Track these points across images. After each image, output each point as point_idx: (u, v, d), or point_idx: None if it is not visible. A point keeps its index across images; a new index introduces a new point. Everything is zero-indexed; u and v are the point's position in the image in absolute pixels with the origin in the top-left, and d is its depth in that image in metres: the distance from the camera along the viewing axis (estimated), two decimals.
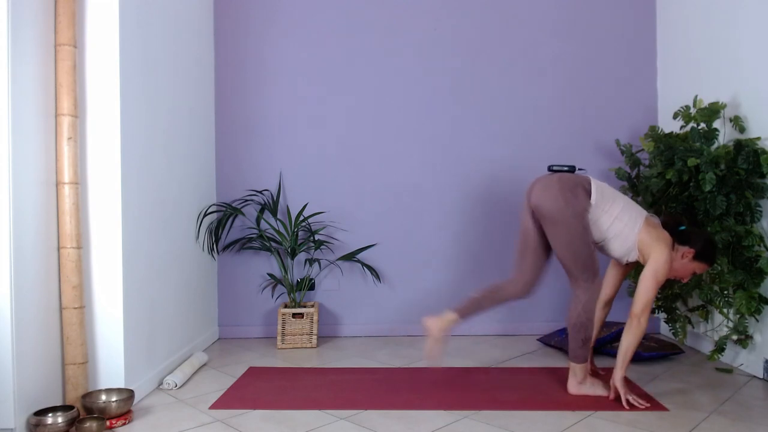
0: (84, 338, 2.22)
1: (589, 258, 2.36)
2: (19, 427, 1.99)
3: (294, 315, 3.32)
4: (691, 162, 2.65)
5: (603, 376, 2.65)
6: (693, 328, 3.17)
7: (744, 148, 2.60)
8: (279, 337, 3.32)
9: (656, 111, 3.64)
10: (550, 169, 2.50)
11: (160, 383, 2.63)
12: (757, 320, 2.66)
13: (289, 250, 3.42)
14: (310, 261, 3.50)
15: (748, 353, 2.74)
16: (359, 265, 3.57)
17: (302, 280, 3.50)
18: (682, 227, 2.40)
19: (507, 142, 3.62)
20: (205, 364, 2.99)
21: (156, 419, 2.24)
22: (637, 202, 3.16)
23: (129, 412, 2.22)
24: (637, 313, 2.29)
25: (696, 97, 2.92)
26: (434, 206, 3.62)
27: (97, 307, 2.33)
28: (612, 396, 2.36)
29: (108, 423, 2.13)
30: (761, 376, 2.65)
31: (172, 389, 2.59)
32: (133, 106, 2.46)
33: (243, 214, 3.51)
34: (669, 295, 3.05)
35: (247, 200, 3.55)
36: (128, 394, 2.24)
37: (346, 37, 3.62)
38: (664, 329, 3.53)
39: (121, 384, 2.34)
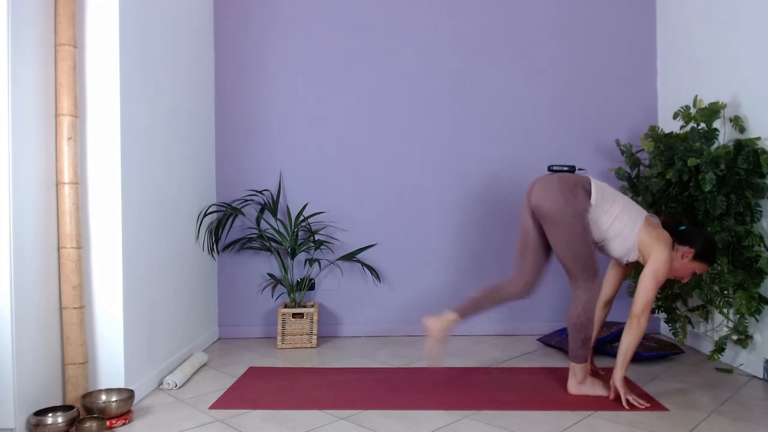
0: (84, 338, 2.22)
1: (589, 258, 2.36)
2: (19, 427, 1.99)
3: (294, 315, 3.32)
4: (691, 162, 2.65)
5: (603, 376, 2.65)
6: (693, 328, 3.17)
7: (744, 148, 2.60)
8: (279, 337, 3.32)
9: (656, 111, 3.64)
10: (550, 169, 2.50)
11: (160, 383, 2.63)
12: (757, 320, 2.66)
13: (289, 250, 3.42)
14: (310, 261, 3.50)
15: (748, 353, 2.74)
16: (359, 265, 3.57)
17: (302, 280, 3.50)
18: (682, 227, 2.40)
19: (507, 142, 3.62)
20: (205, 364, 2.99)
21: (156, 419, 2.24)
22: (637, 202, 3.17)
23: (129, 412, 2.22)
24: (637, 313, 2.29)
25: (696, 97, 2.92)
26: (434, 206, 3.62)
27: (97, 307, 2.33)
28: (612, 396, 2.37)
29: (108, 423, 2.13)
30: (761, 376, 2.65)
31: (172, 389, 2.59)
32: (133, 106, 2.46)
33: (243, 214, 3.51)
34: (669, 295, 3.05)
35: (247, 200, 3.55)
36: (128, 394, 2.24)
37: (346, 37, 3.62)
38: (664, 329, 3.53)
39: (121, 384, 2.34)
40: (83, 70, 2.31)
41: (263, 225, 3.55)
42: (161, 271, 2.74)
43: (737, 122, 2.75)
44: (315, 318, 3.33)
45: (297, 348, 3.32)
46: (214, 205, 3.50)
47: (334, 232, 3.61)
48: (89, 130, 2.32)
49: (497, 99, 3.63)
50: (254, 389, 2.58)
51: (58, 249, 2.20)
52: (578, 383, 2.45)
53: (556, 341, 3.24)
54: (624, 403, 2.29)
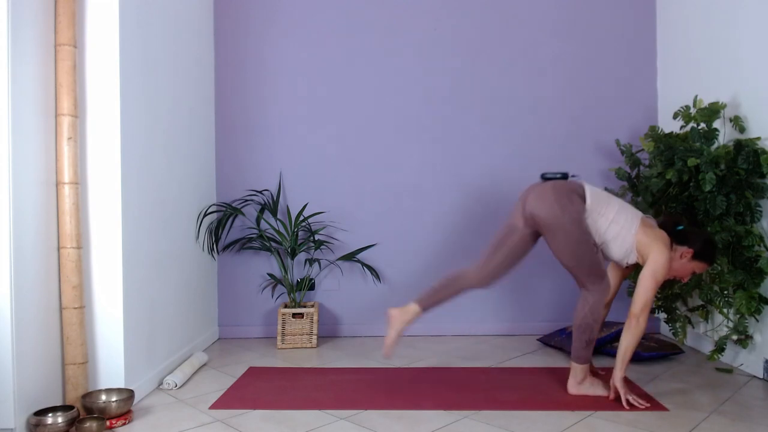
0: (84, 338, 2.22)
1: (593, 262, 2.36)
2: (19, 427, 1.99)
3: (294, 315, 3.32)
4: (691, 162, 2.65)
5: (603, 376, 2.65)
6: (693, 328, 3.17)
7: (744, 148, 2.60)
8: (279, 337, 3.32)
9: (656, 111, 3.64)
10: (543, 177, 2.50)
11: (160, 383, 2.63)
12: (757, 320, 2.66)
13: (289, 250, 3.42)
14: (310, 261, 3.50)
15: (748, 353, 2.74)
16: (359, 265, 3.57)
17: (302, 280, 3.50)
18: (680, 227, 2.40)
19: (507, 142, 3.62)
20: (205, 364, 2.99)
21: (156, 419, 2.24)
22: (637, 202, 3.17)
23: (129, 412, 2.22)
24: (636, 313, 2.29)
25: (696, 97, 2.92)
26: (434, 206, 3.62)
27: (97, 307, 2.33)
28: (612, 396, 2.37)
29: (108, 423, 2.13)
30: (761, 376, 2.65)
31: (172, 389, 2.59)
32: (133, 106, 2.46)
33: (243, 214, 3.51)
34: (669, 295, 3.05)
35: (247, 200, 3.55)
36: (128, 394, 2.24)
37: (346, 37, 3.62)
38: (664, 329, 3.53)
39: (121, 384, 2.34)
40: (83, 70, 2.31)
41: (263, 225, 3.55)
42: (161, 271, 2.74)
43: (737, 122, 2.75)
44: (315, 318, 3.34)
45: (297, 348, 3.32)
46: (214, 205, 3.50)
47: (334, 232, 3.61)
48: (89, 130, 2.32)
49: (497, 99, 3.63)
50: (254, 389, 2.58)
51: (58, 249, 2.20)
52: (578, 383, 2.45)
53: (556, 341, 3.24)
54: (624, 403, 2.29)
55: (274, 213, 3.47)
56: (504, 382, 2.66)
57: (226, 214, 3.42)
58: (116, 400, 2.18)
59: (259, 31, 3.62)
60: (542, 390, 2.53)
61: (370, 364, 3.00)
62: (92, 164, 2.32)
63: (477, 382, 2.66)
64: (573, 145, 3.62)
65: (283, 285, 3.49)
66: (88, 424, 2.04)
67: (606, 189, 3.51)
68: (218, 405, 2.38)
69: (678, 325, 3.03)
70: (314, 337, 3.34)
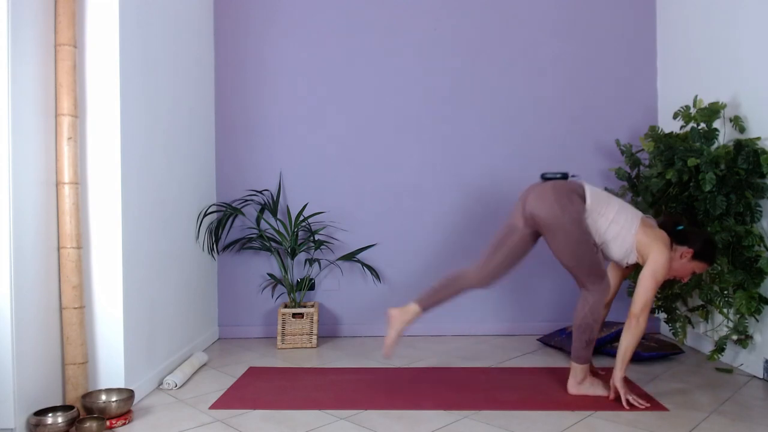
0: (84, 338, 2.22)
1: (593, 262, 2.36)
2: (19, 427, 1.99)
3: (294, 315, 3.32)
4: (691, 162, 2.65)
5: (603, 376, 2.65)
6: (693, 328, 3.17)
7: (744, 148, 2.60)
8: (279, 337, 3.32)
9: (656, 111, 3.64)
10: (543, 177, 2.50)
11: (160, 383, 2.63)
12: (757, 320, 2.66)
13: (289, 250, 3.42)
14: (310, 261, 3.50)
15: (748, 353, 2.74)
16: (359, 265, 3.57)
17: (302, 280, 3.50)
18: (680, 227, 2.40)
19: (507, 142, 3.62)
20: (205, 364, 2.99)
21: (156, 419, 2.24)
22: (637, 202, 3.17)
23: (129, 412, 2.22)
24: (636, 313, 2.29)
25: (696, 97, 2.92)
26: (434, 206, 3.62)
27: (97, 307, 2.33)
28: (612, 396, 2.37)
29: (108, 423, 2.13)
30: (761, 376, 2.65)
31: (172, 389, 2.59)
32: (133, 106, 2.46)
33: (243, 214, 3.51)
34: (669, 295, 3.05)
35: (247, 200, 3.55)
36: (128, 394, 2.24)
37: (346, 37, 3.62)
38: (664, 329, 3.53)
39: (121, 384, 2.34)
40: (83, 70, 2.31)
41: (263, 225, 3.55)
42: (161, 271, 2.74)
43: (737, 122, 2.75)
44: (315, 318, 3.34)
45: (297, 348, 3.32)
46: (214, 205, 3.51)
47: (334, 232, 3.61)
48: (89, 130, 2.32)
49: (497, 99, 3.63)
50: (254, 389, 2.58)
51: (58, 249, 2.20)
52: (578, 383, 2.45)
53: (556, 341, 3.24)
54: (624, 403, 2.29)
55: (274, 213, 3.47)
56: (504, 382, 2.66)
57: (226, 214, 3.42)
58: (116, 400, 2.18)
59: (259, 31, 3.62)
60: (542, 390, 2.53)
61: (370, 364, 3.00)
62: (92, 164, 2.32)
63: (477, 382, 2.66)
64: (573, 145, 3.63)
65: (283, 285, 3.49)
66: (88, 424, 2.04)
67: (606, 189, 3.51)
68: (218, 405, 2.38)
69: (678, 325, 3.03)
70: (314, 337, 3.34)
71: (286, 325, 3.32)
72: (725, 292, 2.67)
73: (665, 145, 2.91)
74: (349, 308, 3.62)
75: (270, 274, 3.56)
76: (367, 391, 2.53)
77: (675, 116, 3.02)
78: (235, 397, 2.47)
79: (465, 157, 3.62)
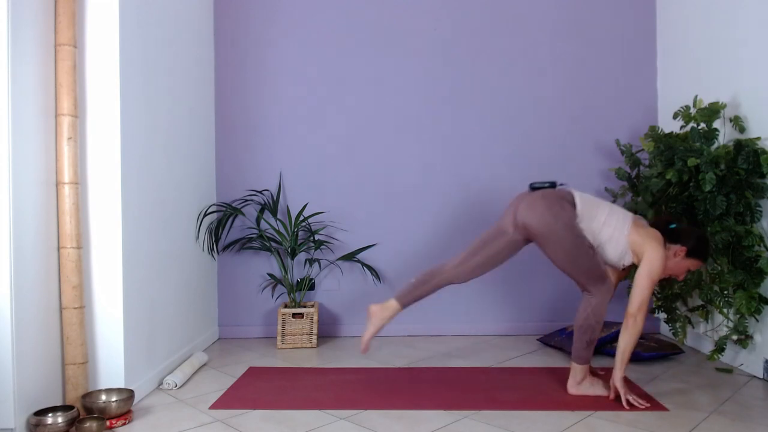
0: (84, 338, 2.22)
1: (591, 265, 2.36)
2: (19, 427, 1.99)
3: (294, 315, 3.32)
4: (691, 162, 2.65)
5: (602, 376, 2.65)
6: (693, 328, 3.17)
7: (744, 148, 2.60)
8: (279, 337, 3.32)
9: (656, 111, 3.64)
10: (531, 186, 2.51)
11: (160, 383, 2.63)
12: (757, 320, 2.66)
13: (289, 250, 3.42)
14: (310, 261, 3.50)
15: (748, 353, 2.74)
16: (359, 265, 3.57)
17: (302, 280, 3.50)
18: (672, 225, 2.41)
19: (507, 142, 3.62)
20: (205, 364, 2.99)
21: (156, 419, 2.24)
22: (637, 202, 3.17)
23: (129, 412, 2.22)
24: (633, 313, 2.29)
25: (696, 97, 2.92)
26: (434, 206, 3.62)
27: (97, 307, 2.33)
28: (612, 396, 2.37)
29: (108, 423, 2.13)
30: (761, 376, 2.65)
31: (172, 389, 2.59)
32: (133, 106, 2.46)
33: (243, 214, 3.51)
34: (669, 295, 3.05)
35: (247, 200, 3.55)
36: (128, 394, 2.24)
37: (346, 37, 3.62)
38: (664, 329, 3.53)
39: (121, 384, 2.34)
40: (83, 70, 2.31)
41: (263, 225, 3.55)
42: (161, 271, 2.74)
43: (737, 122, 2.75)
44: (315, 318, 3.34)
45: (297, 348, 3.32)
46: (214, 205, 3.51)
47: (334, 232, 3.61)
48: (89, 130, 2.32)
49: (497, 99, 3.63)
50: (254, 389, 2.58)
51: (58, 249, 2.20)
52: (577, 383, 2.45)
53: (556, 341, 3.24)
54: (624, 403, 2.29)
55: (274, 213, 3.47)
56: (504, 382, 2.66)
57: (226, 214, 3.42)
58: (116, 400, 2.19)
59: (259, 31, 3.62)
60: (542, 390, 2.53)
61: (370, 364, 3.00)
62: (92, 164, 2.32)
63: (477, 382, 2.66)
64: (573, 145, 3.63)
65: (283, 285, 3.49)
66: (88, 424, 2.04)
67: (606, 189, 3.52)
68: (218, 405, 2.38)
69: (678, 325, 3.03)
70: (314, 337, 3.34)
71: (286, 325, 3.32)
72: (725, 292, 2.67)
73: (665, 145, 2.91)
74: (349, 308, 3.61)
75: (270, 274, 3.56)
76: (367, 391, 2.53)
77: (675, 116, 3.02)
78: (235, 397, 2.47)
79: (465, 157, 3.62)
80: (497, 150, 3.62)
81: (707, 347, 3.02)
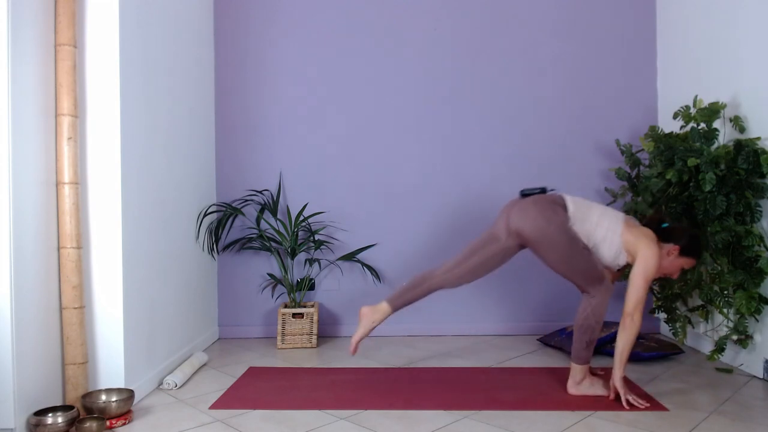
0: (84, 338, 2.22)
1: (587, 266, 2.37)
2: (19, 427, 1.99)
3: (294, 315, 3.32)
4: (691, 162, 2.65)
5: (602, 375, 2.65)
6: (693, 328, 3.17)
7: (744, 148, 2.60)
8: (279, 337, 3.32)
9: (656, 111, 3.64)
10: (521, 193, 2.51)
11: (160, 383, 2.63)
12: (757, 320, 2.66)
13: (289, 250, 3.42)
14: (310, 261, 3.50)
15: (748, 353, 2.74)
16: (359, 265, 3.57)
17: (302, 280, 3.50)
18: (665, 224, 2.42)
19: (507, 141, 3.62)
20: (205, 364, 2.99)
21: (156, 419, 2.24)
22: (636, 202, 3.17)
23: (129, 412, 2.22)
24: (629, 312, 2.30)
25: (696, 97, 2.92)
26: (434, 206, 3.62)
27: (97, 307, 2.33)
28: (612, 396, 2.37)
29: (108, 423, 2.13)
30: (761, 376, 2.65)
31: (172, 389, 2.59)
32: (133, 106, 2.46)
33: (243, 214, 3.51)
34: (669, 295, 3.05)
35: (247, 200, 3.55)
36: (128, 394, 2.24)
37: (346, 37, 3.62)
38: (664, 329, 3.53)
39: (121, 384, 2.34)
40: (83, 70, 2.31)
41: (263, 225, 3.55)
42: (161, 271, 2.74)
43: (737, 122, 2.75)
44: (315, 318, 3.34)
45: (297, 348, 3.32)
46: (214, 205, 3.51)
47: (334, 232, 3.61)
48: (89, 130, 2.32)
49: (497, 99, 3.63)
50: (254, 389, 2.58)
51: (58, 249, 2.20)
52: (577, 383, 2.46)
53: (556, 341, 3.24)
54: (624, 403, 2.29)
55: (274, 213, 3.47)
56: (504, 382, 2.66)
57: (226, 214, 3.42)
58: (116, 400, 2.19)
59: (259, 31, 3.62)
60: (542, 390, 2.53)
61: (370, 364, 3.00)
62: (92, 164, 2.32)
63: (477, 382, 2.66)
64: (573, 145, 3.63)
65: (283, 285, 3.49)
66: (88, 424, 2.04)
67: (606, 189, 3.52)
68: (218, 405, 2.38)
69: (678, 325, 3.03)
70: (314, 337, 3.34)
71: (286, 325, 3.32)
72: (725, 292, 2.67)
73: (665, 145, 2.91)
74: (349, 308, 3.61)
75: (270, 274, 3.56)
76: (367, 391, 2.53)
77: (675, 116, 3.02)
78: (235, 397, 2.47)
79: (465, 157, 3.62)
80: (497, 150, 3.62)
81: (707, 347, 3.02)
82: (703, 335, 3.10)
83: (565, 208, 2.39)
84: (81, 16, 2.29)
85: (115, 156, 2.33)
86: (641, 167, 3.35)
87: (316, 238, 3.49)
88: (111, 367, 2.34)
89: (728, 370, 2.76)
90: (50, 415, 2.05)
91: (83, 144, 2.31)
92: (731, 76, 2.89)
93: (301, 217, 3.44)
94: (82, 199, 2.30)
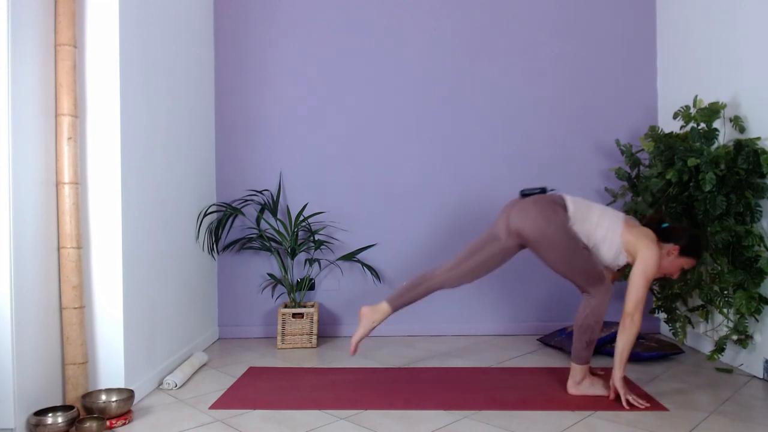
0: (84, 338, 2.22)
1: (588, 266, 2.37)
2: (19, 427, 1.99)
3: (294, 315, 3.32)
4: (691, 162, 2.65)
5: (602, 375, 2.65)
6: (693, 328, 3.17)
7: (744, 148, 2.60)
8: (279, 337, 3.32)
9: (656, 111, 3.64)
10: (521, 193, 2.51)
11: (160, 383, 2.63)
12: (757, 320, 2.66)
13: (289, 250, 3.42)
14: (310, 261, 3.50)
15: (748, 353, 2.74)
16: (359, 265, 3.57)
17: (302, 280, 3.50)
18: (665, 224, 2.42)
19: (507, 142, 3.63)
20: (205, 364, 2.99)
21: (156, 419, 2.24)
22: (636, 202, 3.17)
23: (129, 412, 2.22)
24: (630, 312, 2.30)
25: (696, 97, 2.92)
26: (434, 206, 3.62)
27: (97, 307, 2.33)
28: (612, 396, 2.37)
29: (108, 423, 2.13)
30: (761, 376, 2.65)
31: (172, 389, 2.59)
32: (133, 106, 2.46)
33: (243, 214, 3.51)
34: (669, 295, 3.05)
35: (247, 200, 3.55)
36: (128, 394, 2.24)
37: (346, 37, 3.62)
38: (664, 329, 3.53)
39: (121, 384, 2.34)
40: (83, 70, 2.31)
41: (263, 225, 3.55)
42: (161, 271, 2.74)
43: (737, 122, 2.75)
44: (315, 318, 3.34)
45: (297, 348, 3.32)
46: (214, 205, 3.51)
47: (334, 232, 3.61)
48: (89, 130, 2.32)
49: (497, 99, 3.63)
50: (254, 389, 2.58)
51: (58, 249, 2.20)
52: (577, 384, 2.46)
53: (556, 341, 3.24)
54: (624, 403, 2.29)
55: (274, 213, 3.47)
56: (504, 382, 2.66)
57: (226, 214, 3.42)
58: (116, 400, 2.19)
59: (259, 31, 3.62)
60: (542, 390, 2.53)
61: (370, 364, 3.00)
62: (92, 164, 2.32)
63: (477, 382, 2.66)
64: (573, 145, 3.63)
65: (283, 285, 3.49)
66: (88, 424, 2.04)
67: (606, 189, 3.52)
68: (218, 405, 2.38)
69: (678, 325, 3.03)
70: (314, 337, 3.34)
71: (286, 325, 3.32)
72: (725, 292, 2.67)
73: (665, 145, 2.91)
74: (349, 308, 3.61)
75: (270, 274, 3.56)
76: (367, 391, 2.53)
77: (675, 116, 3.02)
78: (235, 397, 2.47)
79: (465, 157, 3.62)
80: (497, 150, 3.62)
81: (707, 347, 3.02)
82: (703, 335, 3.10)
83: (565, 208, 2.39)
84: (81, 16, 2.29)
85: (115, 156, 2.33)
86: (641, 167, 3.35)
87: (316, 238, 3.49)
88: (111, 367, 2.34)
89: (728, 370, 2.76)
90: (50, 415, 2.05)
91: (83, 144, 2.31)
92: (731, 76, 2.89)
93: (301, 217, 3.44)
94: (82, 199, 2.30)
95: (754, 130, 2.72)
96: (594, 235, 2.38)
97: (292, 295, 3.42)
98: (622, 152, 3.37)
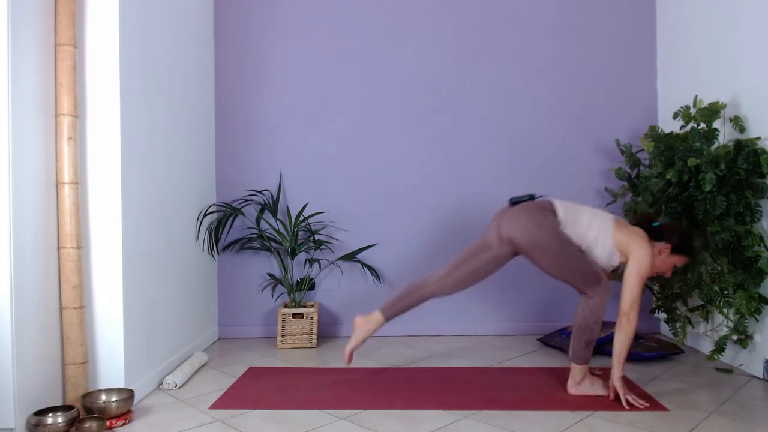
0: (84, 338, 2.22)
1: (583, 267, 2.37)
2: (19, 427, 1.99)
3: (294, 315, 3.32)
4: (691, 162, 2.65)
5: (601, 375, 2.65)
6: (693, 328, 3.17)
7: (744, 148, 2.60)
8: (279, 337, 3.32)
9: (656, 111, 3.64)
10: (511, 201, 2.52)
11: (160, 383, 2.63)
12: (757, 320, 2.66)
13: (289, 250, 3.42)
14: (310, 261, 3.50)
15: (748, 353, 2.74)
16: (359, 265, 3.57)
17: (302, 280, 3.50)
18: (655, 223, 2.43)
19: (507, 142, 3.62)
20: (205, 364, 2.99)
21: (156, 419, 2.24)
22: (636, 202, 3.17)
23: (129, 412, 2.22)
24: (625, 311, 2.30)
25: (696, 97, 2.92)
26: (434, 206, 3.62)
27: (97, 307, 2.33)
28: (612, 396, 2.37)
29: (108, 423, 2.13)
30: (761, 376, 2.65)
31: (172, 389, 2.59)
32: (133, 106, 2.46)
33: (243, 214, 3.51)
34: (669, 295, 3.05)
35: (247, 200, 3.55)
36: (128, 394, 2.24)
37: (346, 37, 3.62)
38: (664, 329, 3.53)
39: (121, 384, 2.34)
40: (83, 70, 2.31)
41: (263, 225, 3.55)
42: (161, 271, 2.74)
43: (737, 122, 2.75)
44: (315, 318, 3.34)
45: (297, 348, 3.32)
46: (214, 205, 3.51)
47: (334, 232, 3.61)
48: (89, 130, 2.32)
49: (497, 99, 3.63)
50: (254, 389, 2.58)
51: (58, 249, 2.20)
52: (577, 384, 2.46)
53: (556, 341, 3.24)
54: (624, 403, 2.29)
55: (274, 213, 3.47)
56: (504, 382, 2.66)
57: (226, 214, 3.42)
58: (116, 400, 2.19)
59: (259, 31, 3.62)
60: (542, 390, 2.53)
61: (370, 364, 3.00)
62: (92, 164, 2.32)
63: (477, 382, 2.66)
64: (573, 145, 3.63)
65: (283, 285, 3.49)
66: (88, 424, 2.04)
67: (606, 189, 3.52)
68: (218, 405, 2.38)
69: (678, 325, 3.03)
70: (314, 337, 3.34)
71: (286, 325, 3.32)
72: (725, 292, 2.67)
73: (665, 145, 2.91)
74: (349, 308, 3.61)
75: (270, 274, 3.56)
76: (367, 391, 2.53)
77: (675, 116, 3.02)
78: (235, 397, 2.48)
79: (465, 157, 3.62)
80: (497, 150, 3.62)
81: (707, 347, 3.02)
82: (703, 335, 3.10)
83: (554, 212, 2.40)
84: (81, 16, 2.29)
85: (115, 156, 2.33)
86: (641, 167, 3.35)
87: (316, 238, 3.49)
88: (111, 367, 2.34)
89: (728, 370, 2.76)
90: (50, 415, 2.05)
91: (83, 144, 2.31)
92: (731, 76, 2.89)
93: (301, 217, 3.44)
94: (82, 199, 2.30)
95: (754, 130, 2.72)
96: (586, 237, 2.39)
97: (292, 295, 3.42)
98: (622, 152, 3.37)
